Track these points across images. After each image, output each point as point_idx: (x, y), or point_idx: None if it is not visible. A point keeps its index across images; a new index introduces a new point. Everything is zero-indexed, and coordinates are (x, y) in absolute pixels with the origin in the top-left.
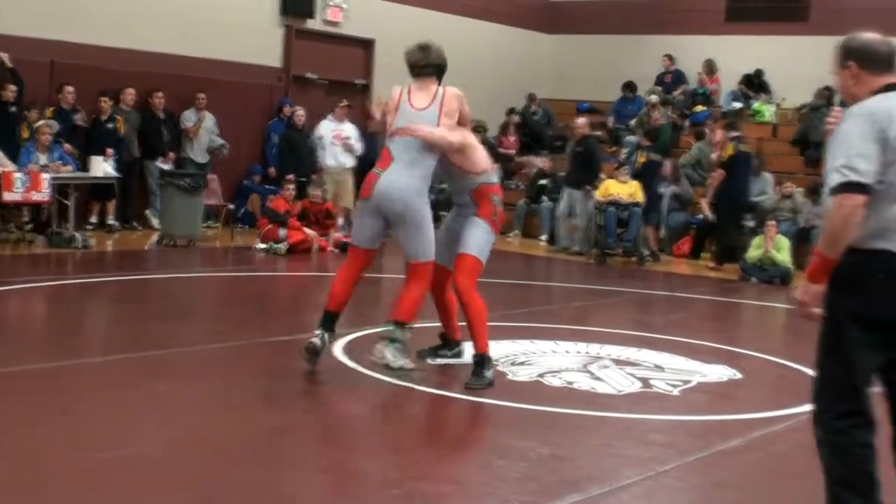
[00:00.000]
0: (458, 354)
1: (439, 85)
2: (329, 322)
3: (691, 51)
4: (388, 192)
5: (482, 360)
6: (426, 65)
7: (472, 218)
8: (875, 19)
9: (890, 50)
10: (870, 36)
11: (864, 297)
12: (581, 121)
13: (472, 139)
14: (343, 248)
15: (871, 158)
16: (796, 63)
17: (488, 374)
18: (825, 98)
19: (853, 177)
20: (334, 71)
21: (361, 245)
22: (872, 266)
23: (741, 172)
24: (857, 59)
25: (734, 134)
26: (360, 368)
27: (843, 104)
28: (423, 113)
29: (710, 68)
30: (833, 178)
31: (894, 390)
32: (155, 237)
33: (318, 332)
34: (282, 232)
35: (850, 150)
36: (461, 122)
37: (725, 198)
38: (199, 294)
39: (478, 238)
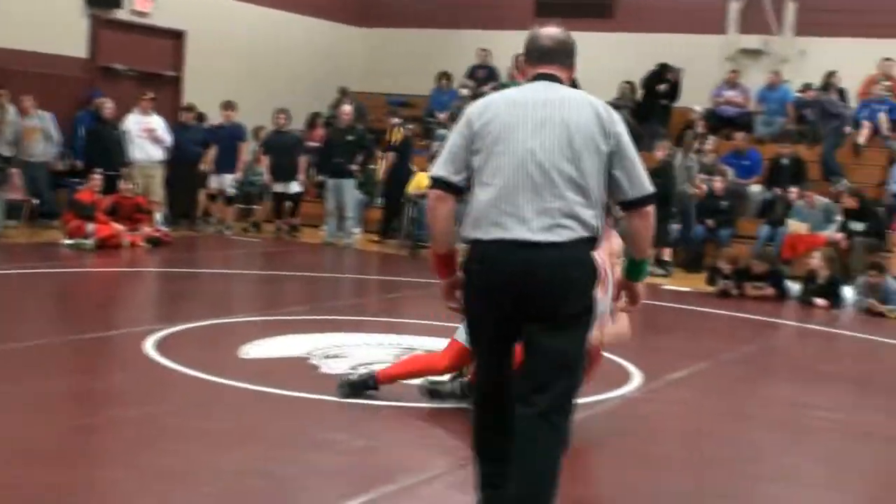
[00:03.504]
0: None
1: None
2: None
3: (504, 45)
4: None
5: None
6: None
7: None
8: (676, 18)
9: (550, 44)
10: (542, 29)
11: (470, 289)
12: (346, 108)
13: None
14: (155, 242)
15: (452, 155)
16: (600, 59)
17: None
18: (628, 93)
19: (432, 171)
20: (144, 62)
21: None
22: (470, 256)
23: (408, 155)
24: (524, 50)
25: (397, 121)
26: (173, 365)
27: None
28: None
29: (519, 63)
30: None
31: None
32: None
33: None
34: (89, 227)
35: (443, 146)
36: None
37: (396, 178)
38: None
39: None
